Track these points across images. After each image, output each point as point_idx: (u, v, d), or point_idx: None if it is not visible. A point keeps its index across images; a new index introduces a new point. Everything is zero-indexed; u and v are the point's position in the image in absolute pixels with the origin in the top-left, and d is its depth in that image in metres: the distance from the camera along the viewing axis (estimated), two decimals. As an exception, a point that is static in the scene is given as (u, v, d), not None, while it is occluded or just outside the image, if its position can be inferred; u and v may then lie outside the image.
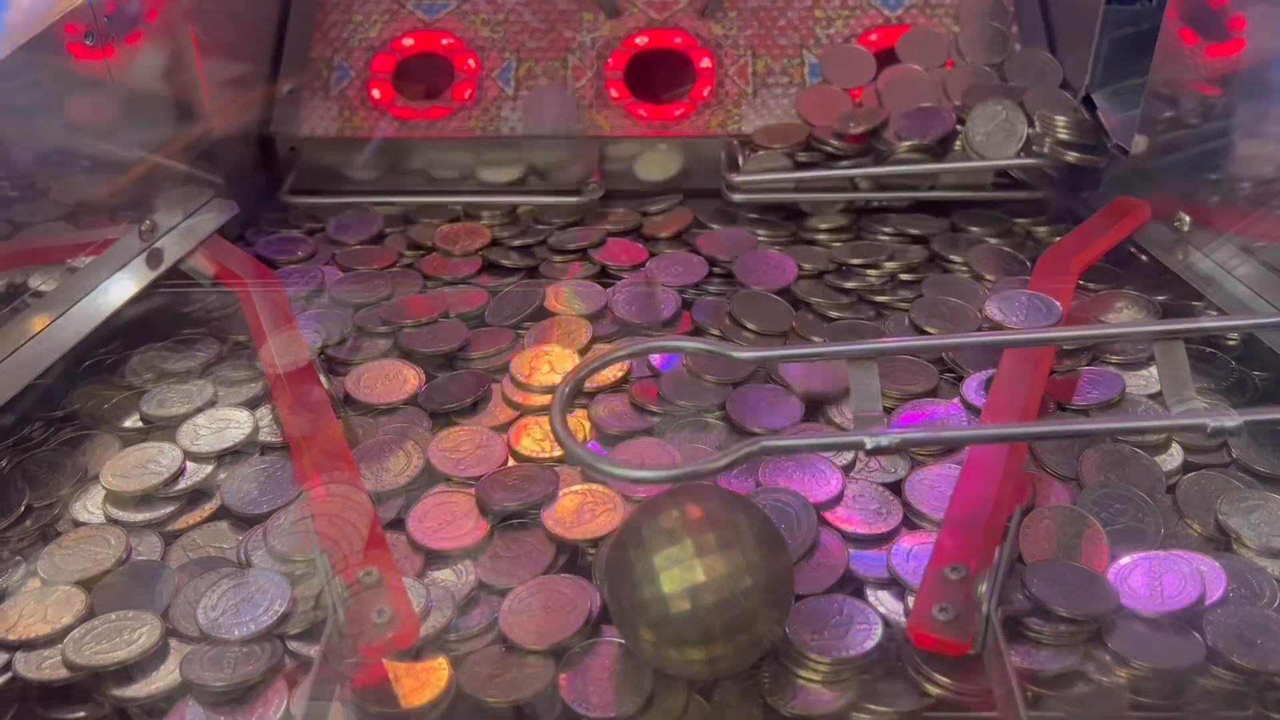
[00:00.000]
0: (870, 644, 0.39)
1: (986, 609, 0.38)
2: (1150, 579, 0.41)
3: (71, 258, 0.53)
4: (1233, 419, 0.41)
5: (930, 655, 0.39)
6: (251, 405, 0.53)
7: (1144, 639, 0.39)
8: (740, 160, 0.69)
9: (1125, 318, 0.57)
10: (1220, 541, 0.44)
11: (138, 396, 0.53)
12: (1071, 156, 0.64)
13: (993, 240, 0.65)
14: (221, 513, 0.47)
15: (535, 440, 0.50)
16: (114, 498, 0.47)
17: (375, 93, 0.73)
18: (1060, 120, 0.65)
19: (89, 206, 0.55)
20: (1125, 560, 0.42)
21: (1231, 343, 0.55)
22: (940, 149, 0.67)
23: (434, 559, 0.44)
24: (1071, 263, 0.58)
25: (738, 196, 0.67)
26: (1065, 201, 0.68)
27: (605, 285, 0.61)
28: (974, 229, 0.66)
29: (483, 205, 0.70)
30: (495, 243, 0.67)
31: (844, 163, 0.68)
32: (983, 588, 0.39)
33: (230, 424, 0.51)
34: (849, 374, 0.43)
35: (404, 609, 0.40)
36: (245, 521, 0.46)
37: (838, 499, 0.46)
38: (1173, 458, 0.48)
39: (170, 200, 0.60)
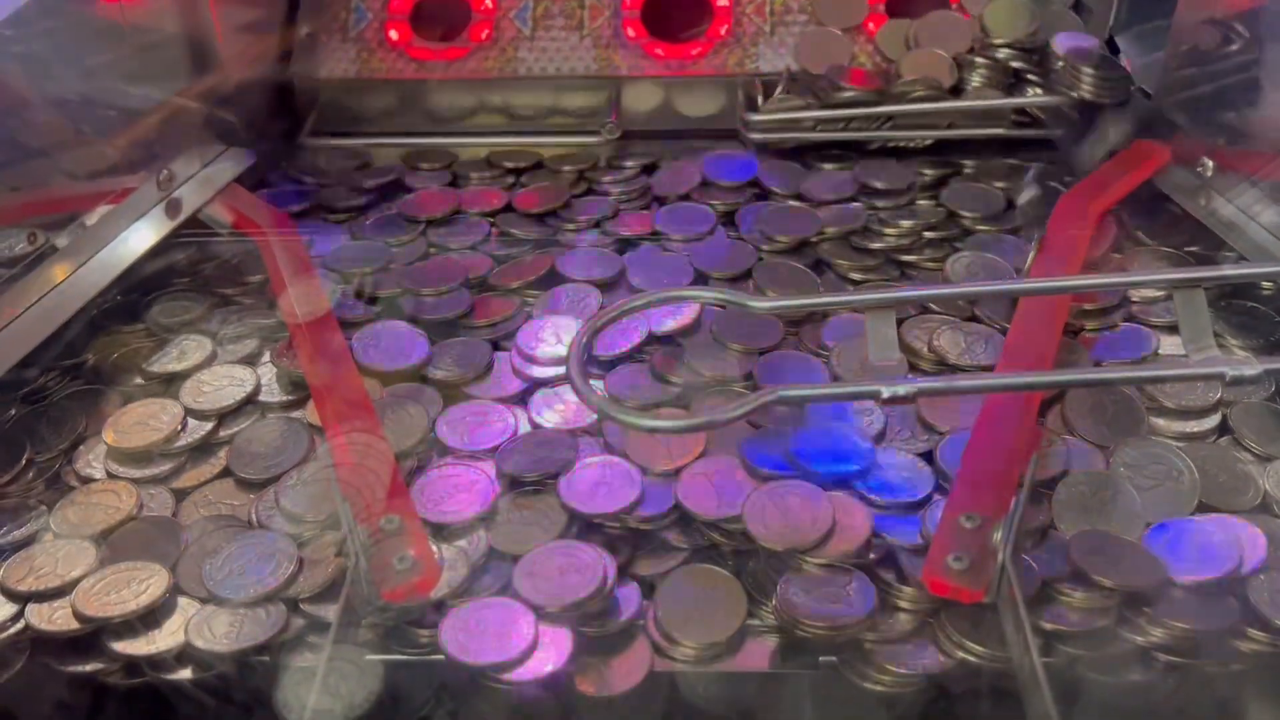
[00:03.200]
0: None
1: (1002, 557, 0.39)
2: (1188, 545, 0.42)
3: (90, 208, 0.53)
4: (1252, 367, 0.41)
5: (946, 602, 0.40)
6: (252, 361, 0.54)
7: (1176, 602, 0.40)
8: (759, 100, 0.70)
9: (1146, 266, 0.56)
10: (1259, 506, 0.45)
11: (145, 350, 0.55)
12: (1088, 90, 0.66)
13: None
14: (230, 470, 0.48)
15: (557, 412, 0.50)
16: (115, 454, 0.49)
17: (393, 34, 0.74)
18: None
19: (107, 156, 0.55)
20: (1161, 525, 0.43)
21: (1267, 292, 0.55)
22: (956, 87, 0.69)
23: (439, 532, 0.44)
24: (1089, 207, 0.58)
25: (755, 136, 0.69)
26: (1082, 141, 0.69)
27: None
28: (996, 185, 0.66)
29: (501, 146, 0.72)
30: (510, 208, 0.67)
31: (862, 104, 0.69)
32: (998, 536, 0.39)
33: (233, 381, 0.52)
34: (867, 324, 0.42)
35: (426, 555, 0.41)
36: (255, 485, 0.47)
37: (869, 469, 0.46)
38: (1210, 420, 0.48)
39: (188, 149, 0.60)
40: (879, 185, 0.65)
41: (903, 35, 0.72)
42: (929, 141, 0.69)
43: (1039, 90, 0.68)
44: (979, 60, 0.69)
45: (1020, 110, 0.69)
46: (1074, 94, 0.66)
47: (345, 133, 0.74)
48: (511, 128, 0.74)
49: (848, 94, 0.68)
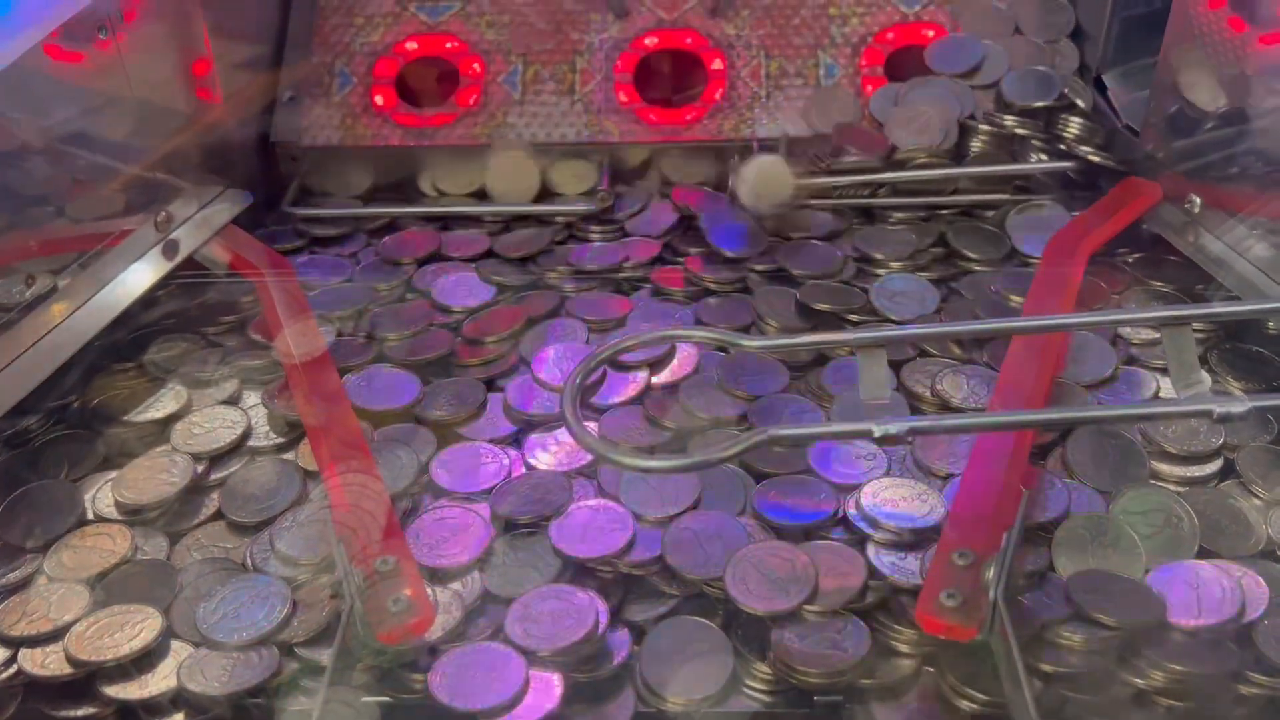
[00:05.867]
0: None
1: (994, 594, 0.39)
2: (1190, 591, 0.42)
3: (89, 249, 0.54)
4: (1240, 404, 0.41)
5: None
6: (243, 402, 0.54)
7: (1175, 645, 0.40)
8: None
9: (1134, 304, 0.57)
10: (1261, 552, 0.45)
11: (139, 392, 0.55)
12: (1093, 155, 0.66)
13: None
14: (223, 513, 0.49)
15: (551, 453, 0.51)
16: (123, 508, 0.49)
17: (378, 99, 0.73)
18: (1074, 119, 0.67)
19: (104, 198, 0.56)
20: (1163, 571, 0.43)
21: (1272, 331, 0.55)
22: (958, 153, 0.68)
23: (434, 574, 0.44)
24: (1080, 246, 0.59)
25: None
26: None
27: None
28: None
29: (490, 214, 0.70)
30: (491, 253, 0.67)
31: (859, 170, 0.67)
32: (990, 573, 0.40)
33: (224, 422, 0.52)
34: (859, 363, 0.43)
35: (421, 597, 0.41)
36: (247, 529, 0.48)
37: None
38: (1212, 465, 0.49)
39: (185, 191, 0.61)
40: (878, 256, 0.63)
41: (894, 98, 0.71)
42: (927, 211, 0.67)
43: (1044, 156, 0.67)
44: (981, 126, 0.68)
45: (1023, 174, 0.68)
46: (1082, 159, 0.66)
47: (328, 200, 0.72)
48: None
49: (849, 161, 0.67)
